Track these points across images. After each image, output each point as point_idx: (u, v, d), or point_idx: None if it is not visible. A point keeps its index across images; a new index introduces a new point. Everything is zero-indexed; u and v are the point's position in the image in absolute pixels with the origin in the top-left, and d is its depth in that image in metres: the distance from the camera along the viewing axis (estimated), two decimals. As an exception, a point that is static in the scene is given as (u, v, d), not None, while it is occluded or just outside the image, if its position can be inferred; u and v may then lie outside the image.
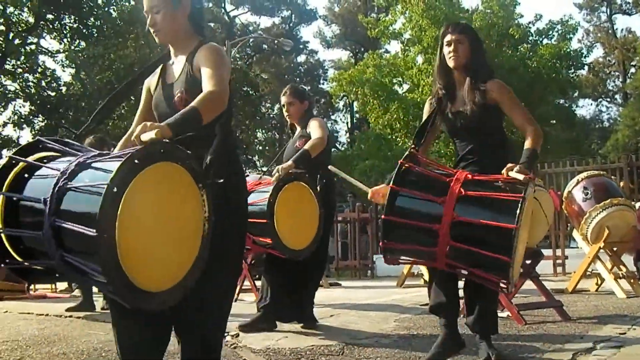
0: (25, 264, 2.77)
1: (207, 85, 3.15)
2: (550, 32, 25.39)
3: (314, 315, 6.08)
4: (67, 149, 2.90)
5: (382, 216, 3.95)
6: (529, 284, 6.83)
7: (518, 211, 3.68)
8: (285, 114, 6.28)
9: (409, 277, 11.38)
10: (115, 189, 2.42)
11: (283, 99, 6.26)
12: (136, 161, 2.52)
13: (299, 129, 6.20)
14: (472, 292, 4.42)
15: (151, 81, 3.59)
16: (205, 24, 3.65)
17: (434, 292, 4.38)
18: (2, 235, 2.72)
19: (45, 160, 2.82)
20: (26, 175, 2.76)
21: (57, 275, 2.83)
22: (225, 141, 3.30)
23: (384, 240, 3.97)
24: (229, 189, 3.22)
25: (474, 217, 3.84)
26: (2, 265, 2.79)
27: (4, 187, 2.73)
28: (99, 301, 7.64)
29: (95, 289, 7.75)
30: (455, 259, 3.91)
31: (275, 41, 34.71)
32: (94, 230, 2.38)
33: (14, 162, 2.79)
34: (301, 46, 48.95)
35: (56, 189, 2.58)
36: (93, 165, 2.67)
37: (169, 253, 2.71)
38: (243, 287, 8.97)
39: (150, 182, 2.58)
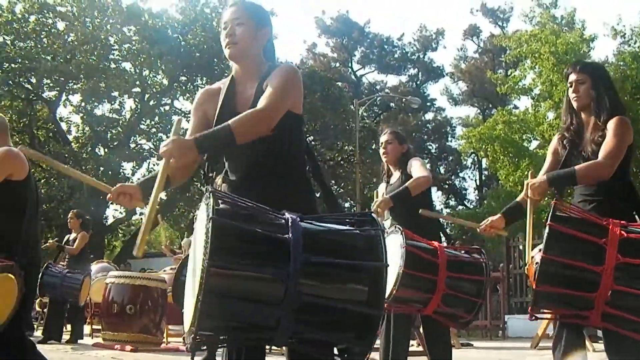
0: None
1: (260, 102, 3.01)
2: (689, 83, 24.37)
3: None
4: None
5: (542, 254, 3.68)
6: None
7: None
8: (382, 151, 6.12)
9: (544, 338, 10.97)
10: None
11: (382, 138, 6.11)
12: None
13: (396, 173, 6.03)
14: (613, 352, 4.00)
15: (207, 106, 3.33)
16: (274, 57, 3.41)
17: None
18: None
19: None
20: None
21: None
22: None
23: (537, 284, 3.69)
24: None
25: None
26: None
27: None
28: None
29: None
30: (617, 306, 3.55)
31: (403, 99, 34.83)
32: (378, 310, 2.43)
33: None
34: (428, 104, 48.89)
35: (300, 260, 2.39)
36: (325, 234, 2.62)
37: None
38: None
39: None
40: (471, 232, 28.78)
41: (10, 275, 4.50)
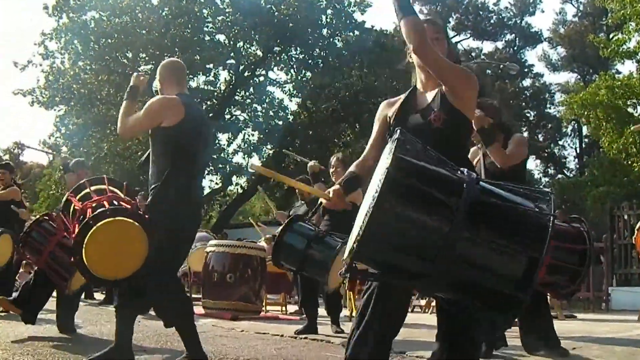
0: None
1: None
2: None
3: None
4: None
5: None
6: None
7: None
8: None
9: (652, 311, 10.58)
10: None
11: None
12: None
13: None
14: None
15: (388, 110, 3.63)
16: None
17: None
18: None
19: None
20: None
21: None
22: None
23: None
24: None
25: None
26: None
27: None
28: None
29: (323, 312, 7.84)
30: None
31: (500, 65, 34.11)
32: (539, 253, 2.37)
33: None
34: (526, 70, 47.63)
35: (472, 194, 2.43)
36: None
37: None
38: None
39: None
40: (570, 202, 28.09)
41: (131, 221, 4.40)
